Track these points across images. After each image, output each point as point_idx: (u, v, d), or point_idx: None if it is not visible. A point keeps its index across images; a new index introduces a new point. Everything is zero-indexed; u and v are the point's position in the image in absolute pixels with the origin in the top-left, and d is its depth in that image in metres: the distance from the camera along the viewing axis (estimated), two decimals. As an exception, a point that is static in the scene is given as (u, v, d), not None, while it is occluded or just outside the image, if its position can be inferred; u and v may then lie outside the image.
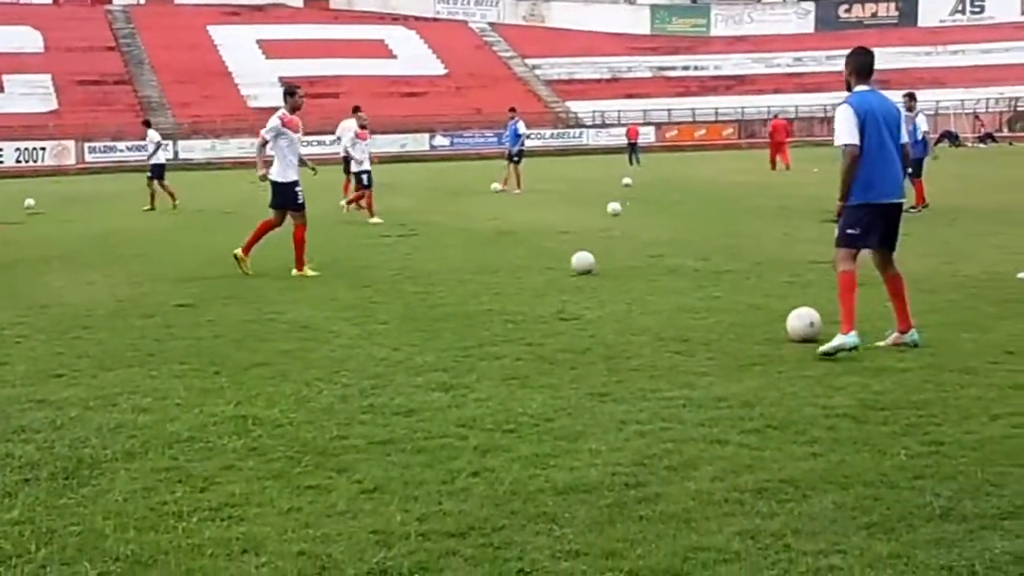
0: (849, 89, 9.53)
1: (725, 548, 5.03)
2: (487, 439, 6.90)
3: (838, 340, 9.07)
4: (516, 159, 34.73)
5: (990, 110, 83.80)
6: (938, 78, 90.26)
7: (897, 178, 9.43)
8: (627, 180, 36.14)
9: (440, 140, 79.19)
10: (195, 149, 72.25)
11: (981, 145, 69.99)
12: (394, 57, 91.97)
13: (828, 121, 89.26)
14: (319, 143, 71.22)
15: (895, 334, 9.51)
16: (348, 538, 5.27)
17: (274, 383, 8.60)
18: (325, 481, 6.15)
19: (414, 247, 19.02)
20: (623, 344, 9.92)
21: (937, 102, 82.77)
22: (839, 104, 9.51)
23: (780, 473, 6.08)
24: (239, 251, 15.63)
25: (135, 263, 17.54)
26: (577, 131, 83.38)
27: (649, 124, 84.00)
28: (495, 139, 66.54)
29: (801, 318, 9.91)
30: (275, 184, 15.53)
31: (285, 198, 15.50)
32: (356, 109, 26.10)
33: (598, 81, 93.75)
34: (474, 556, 5.03)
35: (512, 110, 36.44)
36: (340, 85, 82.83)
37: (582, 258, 14.97)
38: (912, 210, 22.58)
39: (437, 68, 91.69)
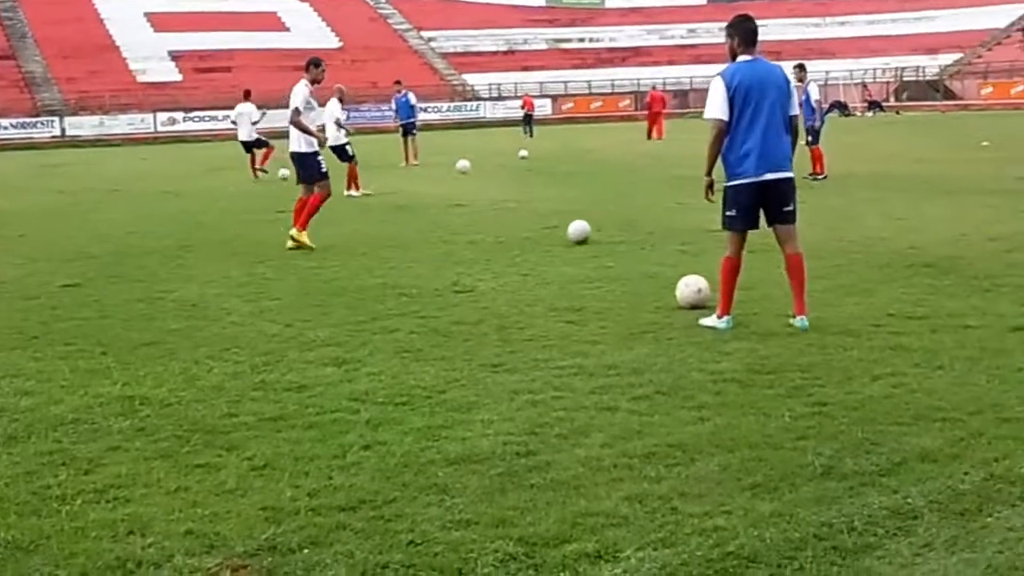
0: (734, 58, 9.04)
1: (613, 512, 5.09)
2: (379, 412, 6.90)
3: (711, 320, 9.10)
4: (413, 133, 34.58)
5: (877, 80, 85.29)
6: (827, 49, 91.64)
7: (780, 152, 8.91)
8: (524, 152, 36.19)
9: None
10: (83, 126, 70.60)
11: (869, 114, 71.29)
12: (287, 30, 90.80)
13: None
14: (212, 119, 70.45)
15: None
16: (237, 515, 5.23)
17: (163, 362, 8.49)
18: (214, 459, 6.10)
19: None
20: (517, 315, 9.96)
21: (826, 72, 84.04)
22: (714, 76, 9.10)
23: (668, 438, 6.17)
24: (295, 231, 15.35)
25: (18, 244, 17.14)
26: (474, 104, 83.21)
27: (546, 96, 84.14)
28: (392, 113, 66.09)
29: (689, 286, 10.04)
30: (301, 156, 15.64)
31: (311, 169, 15.63)
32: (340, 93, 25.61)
33: (494, 54, 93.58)
34: (364, 529, 5.03)
35: (398, 83, 36.05)
36: (232, 59, 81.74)
37: (578, 228, 14.80)
38: (811, 177, 22.98)
39: (332, 41, 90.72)
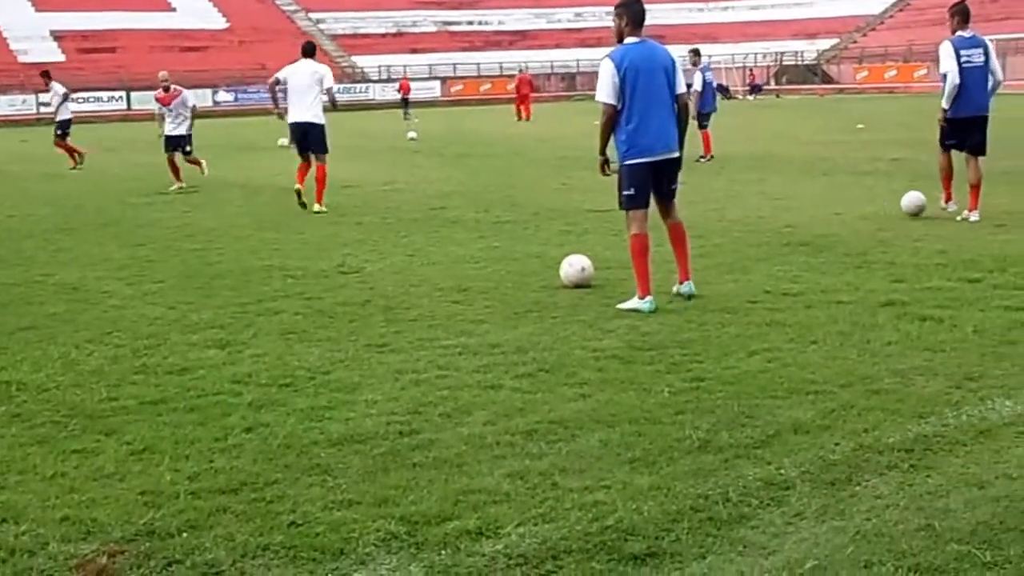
0: (620, 40, 9.09)
1: (495, 489, 5.09)
2: (262, 394, 6.81)
3: (633, 303, 9.02)
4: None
5: (759, 64, 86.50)
6: (710, 33, 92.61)
7: (669, 132, 9.05)
8: (412, 134, 36.03)
9: (223, 96, 77.37)
10: (-37, 107, 68.72)
11: (750, 97, 72.28)
12: (173, 10, 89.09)
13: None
14: (96, 100, 68.96)
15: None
16: (115, 500, 5.12)
17: (41, 347, 8.28)
18: (92, 444, 5.96)
19: (193, 205, 18.58)
20: (403, 295, 9.92)
21: (710, 56, 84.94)
22: (602, 58, 9.17)
23: (550, 415, 6.18)
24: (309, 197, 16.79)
25: None
26: (363, 86, 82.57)
27: (435, 79, 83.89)
28: (281, 95, 65.24)
29: (572, 265, 10.08)
30: (318, 127, 16.91)
31: (324, 141, 17.04)
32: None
33: (383, 36, 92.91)
34: (245, 511, 4.95)
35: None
36: (117, 40, 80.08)
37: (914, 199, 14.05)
38: (701, 159, 23.21)
39: (218, 22, 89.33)
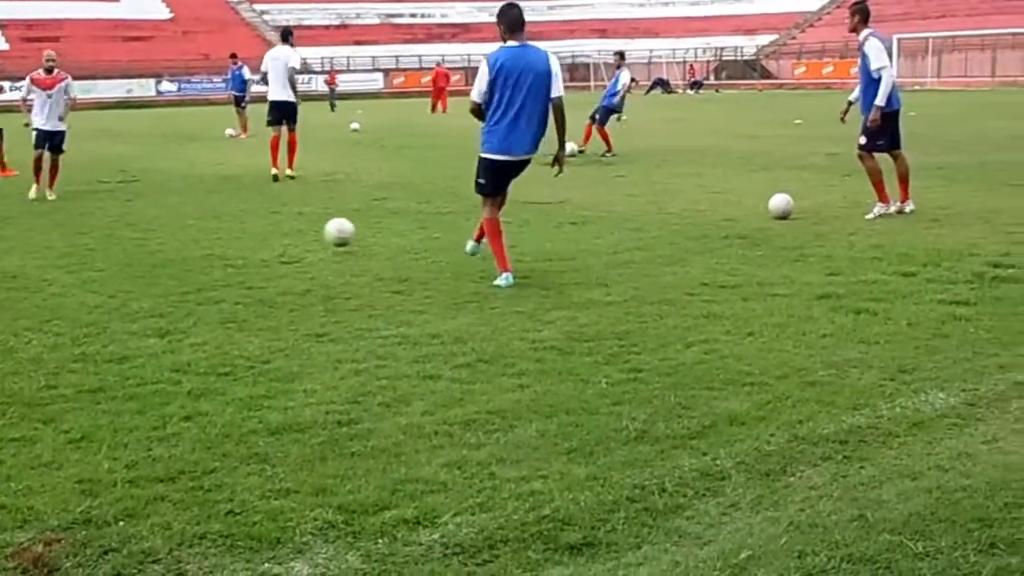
0: (504, 43, 9.56)
1: (432, 479, 5.07)
2: (201, 383, 6.75)
3: (500, 280, 9.51)
4: (242, 105, 34.04)
5: (699, 59, 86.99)
6: (651, 28, 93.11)
7: (528, 136, 9.48)
8: (355, 125, 35.84)
9: (167, 86, 76.63)
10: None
11: (691, 92, 72.64)
12: (117, 0, 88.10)
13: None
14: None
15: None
16: (52, 489, 5.05)
17: (-21, 334, 8.16)
18: (30, 432, 5.87)
19: (135, 194, 18.37)
20: (343, 285, 9.86)
21: (651, 51, 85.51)
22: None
23: (488, 405, 6.17)
24: (280, 171, 19.58)
25: None
26: (306, 77, 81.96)
27: (378, 71, 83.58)
28: (223, 85, 64.87)
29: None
30: (291, 104, 19.64)
31: (291, 115, 19.80)
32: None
33: (327, 27, 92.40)
34: (183, 500, 4.90)
35: (233, 56, 35.64)
36: (61, 29, 78.92)
37: (781, 202, 13.72)
38: (606, 155, 23.24)
39: (162, 12, 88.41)
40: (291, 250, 11.88)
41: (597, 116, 24.01)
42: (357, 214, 14.80)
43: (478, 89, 9.45)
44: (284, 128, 19.81)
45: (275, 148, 19.88)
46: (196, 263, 11.22)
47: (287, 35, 20.56)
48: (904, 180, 13.31)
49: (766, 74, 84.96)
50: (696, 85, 75.01)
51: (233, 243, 12.51)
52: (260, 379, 6.84)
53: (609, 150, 23.53)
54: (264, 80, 20.17)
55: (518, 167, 9.69)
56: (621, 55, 25.40)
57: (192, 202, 16.87)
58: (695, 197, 15.85)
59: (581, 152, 23.27)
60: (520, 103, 9.37)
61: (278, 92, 19.72)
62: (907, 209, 13.18)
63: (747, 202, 14.90)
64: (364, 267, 10.77)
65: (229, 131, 33.96)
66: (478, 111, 9.54)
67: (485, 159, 9.61)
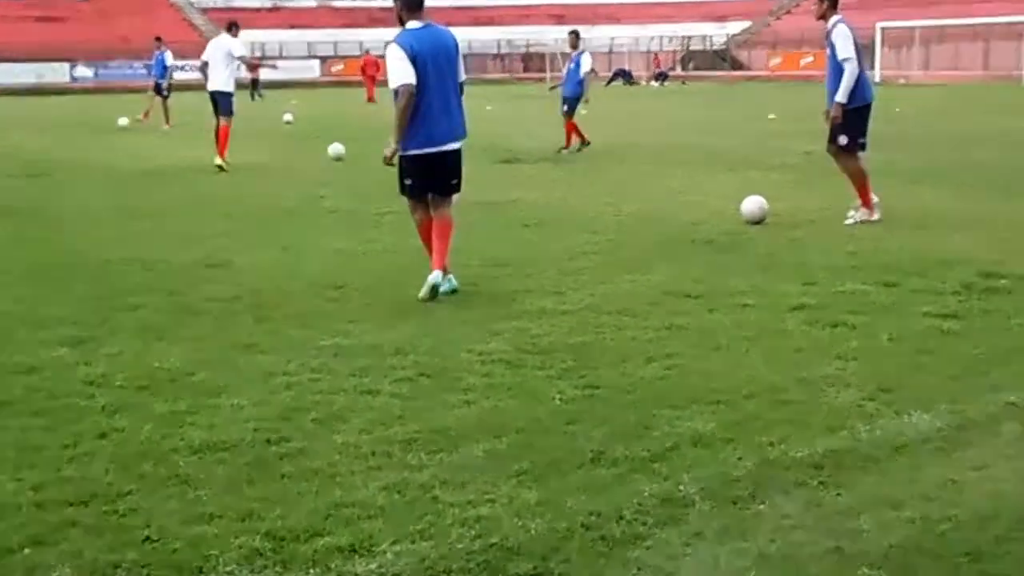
0: (402, 24, 9.41)
1: (370, 503, 5.07)
2: (117, 397, 6.72)
3: (431, 278, 9.32)
4: (165, 93, 33.87)
5: (664, 48, 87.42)
6: (612, 14, 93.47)
7: (453, 120, 9.45)
8: (288, 116, 35.72)
9: (82, 71, 76.04)
10: None
11: (655, 83, 72.97)
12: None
13: (501, 57, 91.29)
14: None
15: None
16: (-51, 513, 5.01)
17: None
18: (-75, 450, 5.82)
19: (46, 189, 18.26)
20: (274, 291, 9.84)
21: (612, 39, 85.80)
22: (388, 43, 9.50)
23: (431, 423, 6.18)
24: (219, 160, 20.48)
25: None
26: (235, 63, 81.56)
27: (314, 57, 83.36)
28: (144, 71, 64.44)
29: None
30: (226, 94, 21.08)
31: (230, 105, 21.14)
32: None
33: (258, 10, 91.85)
34: (96, 525, 4.88)
35: (158, 40, 35.52)
36: (-35, 7, 78.28)
37: (754, 205, 13.67)
38: (564, 151, 23.31)
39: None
40: (218, 253, 11.83)
41: (566, 107, 23.92)
42: (290, 214, 14.81)
43: (406, 72, 9.15)
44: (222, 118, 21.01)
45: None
46: (113, 266, 11.16)
47: (232, 26, 22.05)
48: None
49: (737, 65, 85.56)
50: (661, 77, 75.30)
51: (155, 244, 12.44)
52: (182, 393, 6.81)
53: (583, 141, 23.56)
54: (203, 70, 21.36)
55: (450, 160, 9.57)
56: (576, 34, 25.02)
57: (109, 199, 16.76)
58: (658, 198, 15.92)
59: (578, 150, 23.35)
60: (439, 87, 9.29)
61: (214, 83, 21.05)
62: (873, 216, 13.20)
63: (715, 204, 14.99)
64: (298, 271, 10.74)
65: (122, 121, 33.85)
66: (415, 95, 9.16)
67: (412, 156, 9.43)
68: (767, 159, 21.25)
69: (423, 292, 9.27)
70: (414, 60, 9.17)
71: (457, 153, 9.62)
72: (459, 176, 9.69)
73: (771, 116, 33.90)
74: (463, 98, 9.67)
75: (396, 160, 9.51)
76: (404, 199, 9.83)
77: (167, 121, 33.13)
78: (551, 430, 6.04)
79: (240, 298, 9.59)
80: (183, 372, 7.28)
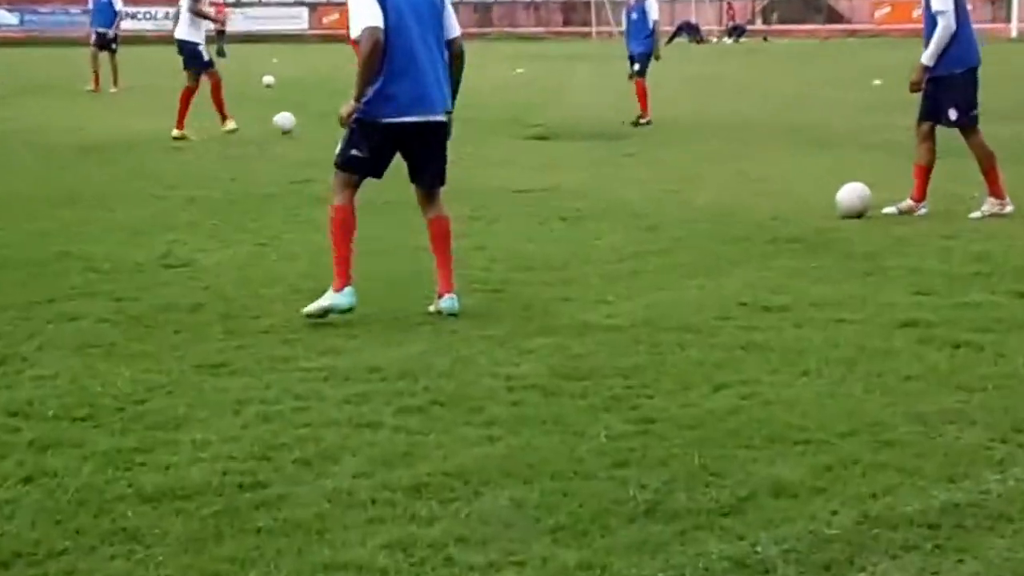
0: None
1: (368, 565, 5.10)
2: (50, 431, 6.75)
3: (327, 299, 9.16)
4: (112, 46, 33.91)
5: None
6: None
7: (432, 87, 9.31)
8: (269, 79, 35.81)
9: (4, 17, 76.50)
10: None
11: (728, 40, 72.93)
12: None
13: (535, 7, 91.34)
14: None
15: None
16: None
17: None
18: None
19: (-39, 168, 18.37)
20: (249, 298, 9.91)
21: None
22: None
23: (445, 463, 6.20)
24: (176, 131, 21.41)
25: None
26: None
27: (301, 5, 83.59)
28: (84, 17, 64.67)
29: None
30: (187, 44, 21.84)
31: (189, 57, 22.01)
32: None
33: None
34: (19, 593, 4.92)
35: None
36: None
37: (852, 194, 13.63)
38: (641, 123, 23.37)
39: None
40: (178, 249, 11.89)
41: (637, 65, 23.94)
42: (269, 201, 14.88)
43: (371, 14, 9.04)
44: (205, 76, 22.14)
45: (185, 103, 21.90)
46: (46, 265, 11.23)
47: None
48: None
49: (834, 16, 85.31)
50: (736, 31, 75.28)
51: (98, 238, 12.51)
52: (132, 426, 6.84)
53: (643, 114, 23.68)
54: (175, 17, 22.91)
55: (429, 137, 9.38)
56: None
57: (41, 181, 16.89)
58: (731, 186, 15.93)
59: (648, 123, 23.48)
60: (416, 44, 9.20)
61: (177, 29, 22.28)
62: (1007, 210, 13.16)
63: (802, 192, 14.99)
64: (278, 274, 10.79)
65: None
66: (382, 46, 9.04)
67: (372, 123, 9.23)
68: (869, 136, 21.22)
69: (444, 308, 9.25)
70: (388, 9, 9.07)
71: (443, 128, 9.46)
72: (443, 160, 9.54)
73: (876, 82, 33.79)
74: (458, 62, 9.57)
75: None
76: (337, 174, 9.55)
77: (115, 82, 33.24)
78: (595, 474, 6.04)
79: (205, 306, 9.65)
80: (133, 399, 7.31)
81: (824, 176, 16.61)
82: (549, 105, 26.73)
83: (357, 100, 9.22)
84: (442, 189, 9.64)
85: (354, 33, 9.21)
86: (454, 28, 9.52)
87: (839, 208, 13.31)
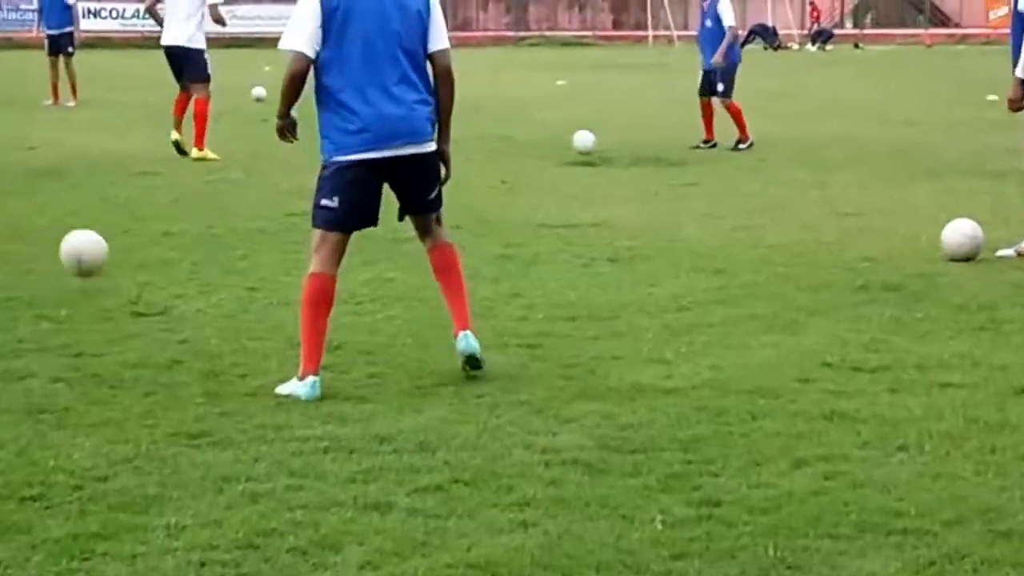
0: None
1: None
2: (-7, 516, 6.79)
3: (288, 386, 9.01)
4: (69, 51, 34.12)
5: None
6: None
7: (409, 114, 9.17)
8: (259, 91, 35.91)
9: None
10: None
11: (812, 47, 72.95)
12: None
13: (580, 7, 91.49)
14: None
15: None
16: None
17: None
18: None
19: None
20: (236, 353, 9.95)
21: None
22: None
23: (470, 554, 6.21)
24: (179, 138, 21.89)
25: None
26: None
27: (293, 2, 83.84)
28: (32, 17, 64.97)
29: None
30: (192, 51, 21.93)
31: (192, 67, 22.14)
32: None
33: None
34: None
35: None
36: None
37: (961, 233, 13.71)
38: (740, 148, 23.39)
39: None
40: (151, 293, 11.93)
41: (720, 84, 23.95)
42: (261, 237, 14.90)
43: (302, 34, 9.08)
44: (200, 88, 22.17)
45: (181, 107, 22.38)
46: (-9, 312, 11.30)
47: None
48: None
49: (940, 18, 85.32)
50: (821, 36, 75.35)
51: (51, 281, 12.52)
52: (91, 507, 6.85)
53: (708, 136, 23.83)
54: (152, 12, 23.19)
55: (414, 171, 9.34)
56: None
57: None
58: (814, 221, 15.92)
59: (750, 145, 23.68)
60: (383, 61, 9.10)
61: (172, 34, 22.11)
62: None
63: (901, 229, 14.98)
64: (271, 324, 10.84)
65: (47, 102, 34.24)
66: (304, 70, 9.13)
67: (342, 165, 9.17)
68: (981, 163, 21.19)
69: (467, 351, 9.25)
70: (330, 19, 8.99)
71: (423, 158, 9.34)
72: (435, 187, 9.46)
73: (991, 97, 33.76)
74: (445, 81, 9.39)
75: (294, 132, 9.47)
76: (315, 233, 9.42)
77: (73, 93, 33.40)
78: (649, 567, 6.05)
79: (182, 363, 9.68)
80: (93, 475, 7.33)
81: (927, 210, 16.62)
82: (596, 124, 26.74)
83: (279, 117, 9.43)
84: (442, 212, 9.61)
85: (280, 44, 9.25)
86: (438, 40, 9.33)
87: (945, 249, 13.30)
